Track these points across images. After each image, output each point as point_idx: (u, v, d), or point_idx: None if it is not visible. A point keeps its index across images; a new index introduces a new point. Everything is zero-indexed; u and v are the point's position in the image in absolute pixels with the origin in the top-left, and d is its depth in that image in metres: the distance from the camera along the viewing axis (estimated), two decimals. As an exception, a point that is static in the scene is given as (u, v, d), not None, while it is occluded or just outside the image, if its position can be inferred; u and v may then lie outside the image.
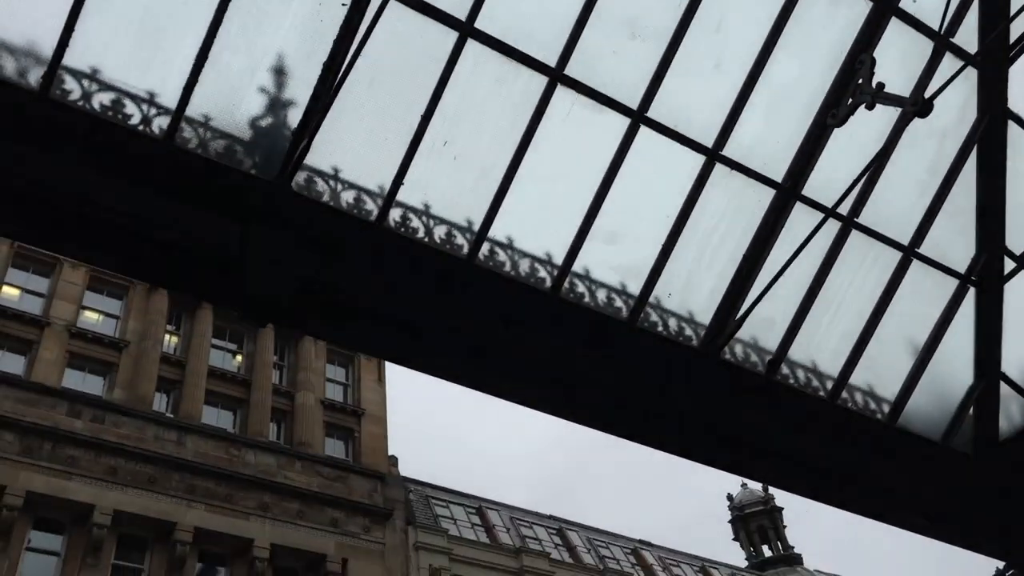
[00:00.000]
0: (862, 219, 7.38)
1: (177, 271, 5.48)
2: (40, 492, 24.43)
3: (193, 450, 27.93)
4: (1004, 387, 8.11)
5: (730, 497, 52.85)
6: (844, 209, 7.22)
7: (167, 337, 31.23)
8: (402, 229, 6.27)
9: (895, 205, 7.47)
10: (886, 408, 8.08)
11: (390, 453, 33.37)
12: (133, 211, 5.13)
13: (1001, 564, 8.39)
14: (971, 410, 8.28)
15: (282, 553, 27.59)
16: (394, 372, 54.35)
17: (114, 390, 28.72)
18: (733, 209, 7.06)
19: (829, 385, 7.85)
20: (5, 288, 29.10)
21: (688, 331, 7.37)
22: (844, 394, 7.86)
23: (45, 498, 24.52)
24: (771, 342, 7.56)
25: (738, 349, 7.56)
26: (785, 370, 7.73)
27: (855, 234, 7.43)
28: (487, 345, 6.25)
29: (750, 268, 7.13)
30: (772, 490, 52.18)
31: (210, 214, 5.43)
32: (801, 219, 7.15)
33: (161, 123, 5.66)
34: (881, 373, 7.97)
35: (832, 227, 7.31)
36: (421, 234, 6.36)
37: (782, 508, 51.36)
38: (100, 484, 25.51)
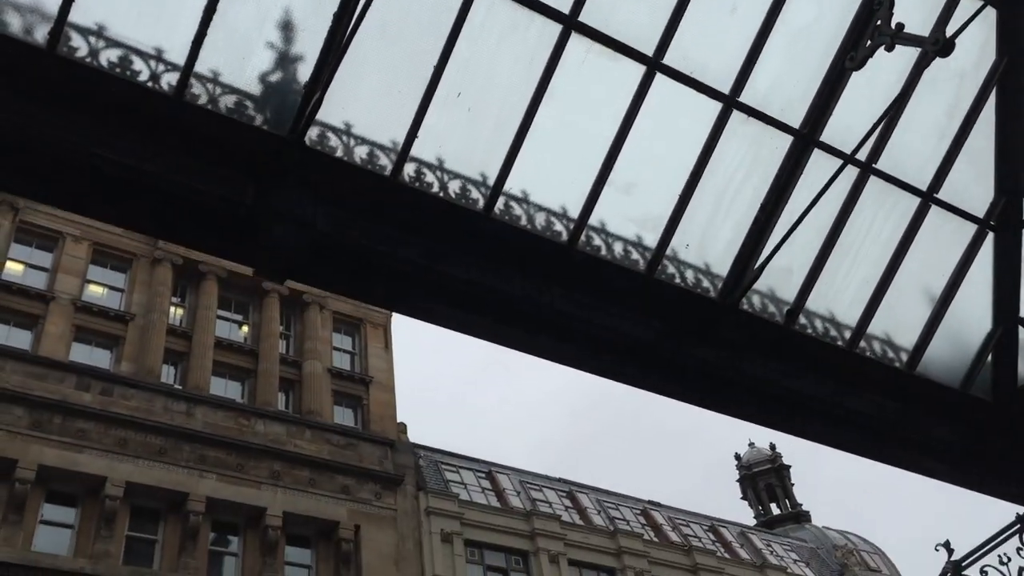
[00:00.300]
0: (880, 165, 7.29)
1: (191, 227, 5.41)
2: (52, 465, 24.58)
3: (202, 421, 28.07)
4: (1023, 332, 8.06)
5: (738, 457, 53.15)
6: (862, 155, 7.12)
7: (172, 309, 31.25)
8: (416, 184, 6.18)
9: (913, 150, 7.37)
10: (904, 356, 8.04)
11: (399, 420, 33.51)
12: (144, 167, 5.05)
13: (1022, 510, 8.37)
14: (989, 356, 8.23)
15: (294, 521, 27.80)
16: (401, 341, 54.48)
17: (121, 363, 28.80)
18: (750, 157, 6.97)
19: (847, 334, 7.80)
20: (9, 263, 29.07)
21: (705, 283, 7.31)
22: (862, 343, 7.81)
23: (57, 471, 24.68)
24: (789, 292, 7.50)
25: (756, 300, 7.50)
26: (803, 320, 7.68)
27: (873, 180, 7.34)
28: (506, 298, 6.19)
29: (768, 217, 7.05)
30: (779, 448, 52.51)
31: (223, 170, 5.35)
32: (819, 166, 7.06)
33: (170, 79, 5.56)
34: (900, 321, 7.91)
35: (850, 174, 7.22)
36: (436, 189, 6.28)
37: (789, 466, 51.71)
38: (111, 456, 25.66)
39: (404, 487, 30.88)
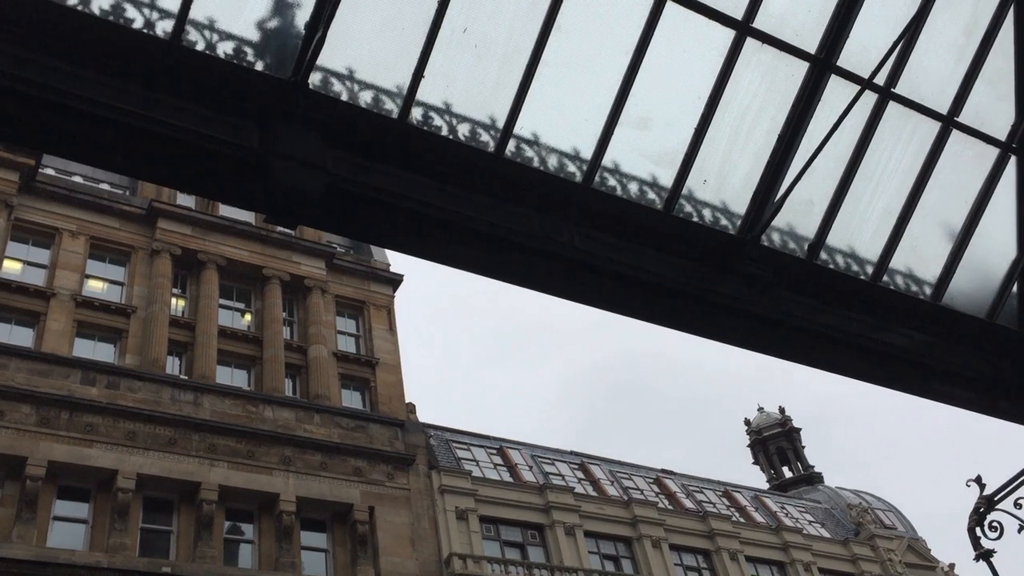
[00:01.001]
0: (899, 89, 7.07)
1: (198, 173, 5.22)
2: (62, 461, 24.51)
3: (210, 410, 27.97)
4: (1049, 259, 7.88)
5: (747, 422, 53.12)
6: (880, 80, 6.91)
7: (174, 300, 31.10)
8: (425, 127, 5.97)
9: (932, 72, 7.16)
10: (929, 288, 7.86)
11: (407, 400, 33.41)
12: (145, 113, 4.84)
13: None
14: (1015, 285, 8.05)
15: (308, 505, 27.75)
16: (408, 323, 54.22)
17: (126, 356, 28.69)
18: (766, 87, 6.75)
19: (870, 268, 7.62)
20: (7, 262, 28.88)
21: (724, 221, 7.11)
22: (886, 275, 7.63)
23: (67, 466, 24.60)
24: (810, 225, 7.31)
25: (777, 235, 7.31)
26: (825, 255, 7.49)
27: (892, 106, 7.13)
28: (525, 238, 6.00)
29: (786, 148, 6.85)
30: (788, 411, 52.45)
31: (225, 115, 5.15)
32: (836, 92, 6.85)
33: (165, 27, 5.34)
34: (923, 251, 7.73)
35: (868, 100, 7.01)
36: (445, 132, 6.07)
37: (800, 429, 51.70)
38: (121, 449, 25.58)
39: (416, 467, 30.82)
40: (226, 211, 34.85)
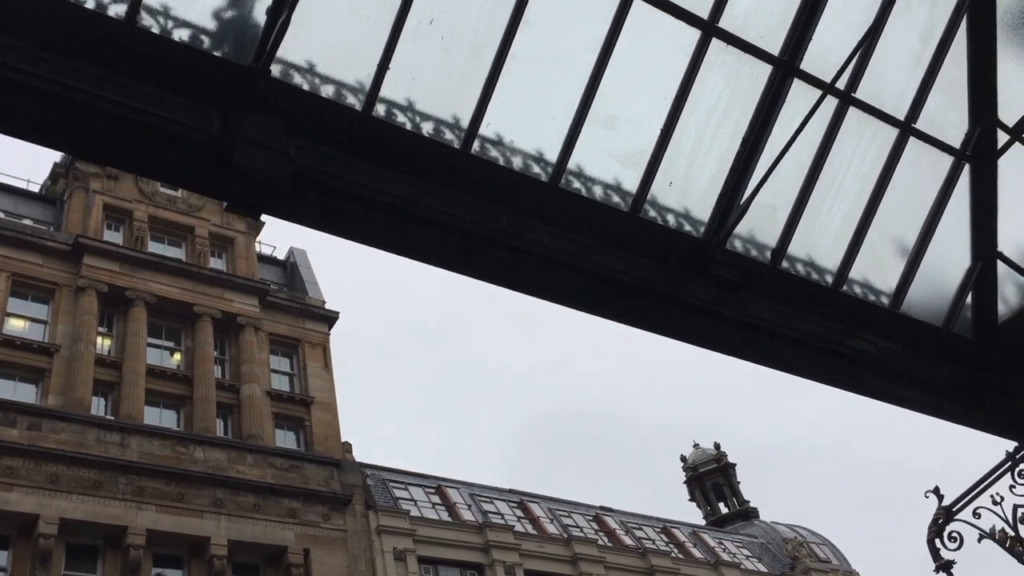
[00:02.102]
0: (859, 94, 7.12)
1: (155, 156, 4.91)
2: (-21, 506, 23.26)
3: (138, 451, 26.94)
4: (1002, 266, 7.98)
5: (683, 458, 53.33)
6: (842, 84, 6.95)
7: (100, 339, 30.03)
8: (389, 122, 5.78)
9: (891, 78, 7.23)
10: (887, 296, 7.89)
11: (343, 439, 32.69)
12: (97, 92, 4.55)
13: (1011, 447, 8.30)
14: (969, 294, 8.14)
15: (241, 549, 26.81)
16: (342, 360, 53.36)
17: (48, 396, 27.51)
18: (731, 88, 6.73)
19: (831, 275, 7.62)
20: (-80, 300, 27.60)
21: (688, 227, 7.04)
22: (847, 282, 7.64)
23: (-15, 512, 23.35)
24: (773, 232, 7.28)
25: (743, 235, 7.26)
26: (788, 260, 7.47)
27: (852, 111, 7.17)
28: (494, 235, 5.81)
29: (750, 152, 6.82)
30: (723, 447, 52.85)
31: (186, 99, 4.88)
32: (799, 96, 6.86)
33: (118, 10, 5.06)
34: (882, 258, 7.76)
35: (830, 105, 7.04)
36: (409, 128, 5.88)
37: (735, 464, 52.06)
38: (42, 493, 24.42)
39: (353, 507, 30.09)
40: (155, 247, 33.97)
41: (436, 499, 34.27)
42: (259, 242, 37.98)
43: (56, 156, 37.41)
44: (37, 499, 24.20)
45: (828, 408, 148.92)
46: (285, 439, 31.93)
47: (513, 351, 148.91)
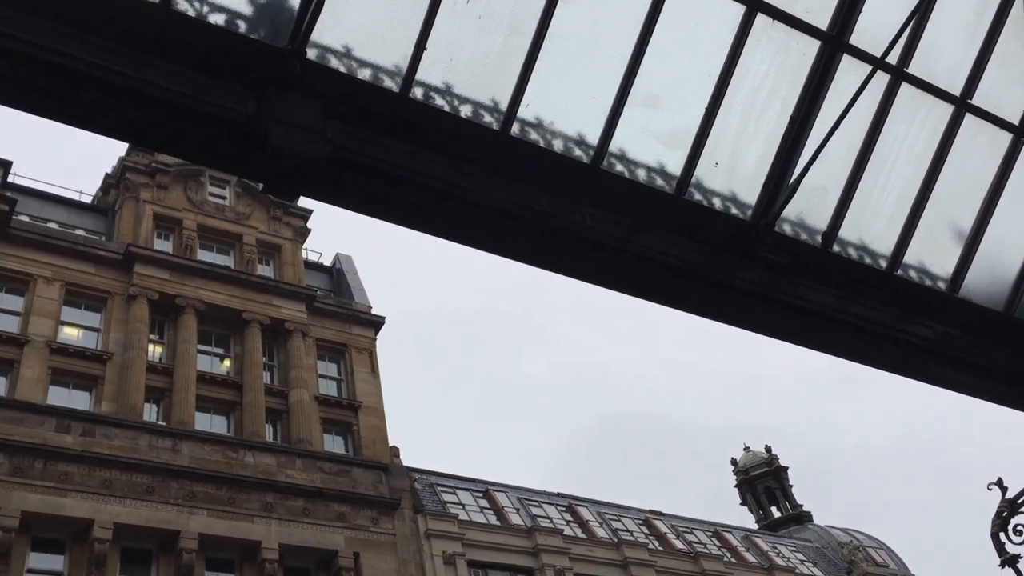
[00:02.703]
0: (912, 69, 6.89)
1: (192, 138, 4.89)
2: (36, 511, 23.64)
3: (189, 456, 27.21)
4: (1065, 248, 7.66)
5: (734, 461, 52.58)
6: (893, 59, 6.72)
7: (151, 346, 30.43)
8: (427, 104, 5.69)
9: (945, 53, 6.99)
10: (944, 280, 7.61)
11: (391, 444, 32.73)
12: (137, 75, 4.53)
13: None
14: (1031, 276, 7.82)
15: (291, 553, 26.92)
16: (389, 365, 53.44)
17: (102, 403, 27.92)
18: (777, 65, 6.54)
19: (885, 259, 7.37)
20: (-21, 310, 28.23)
21: (734, 210, 6.85)
22: (901, 266, 7.38)
23: (41, 517, 23.72)
24: (823, 214, 7.07)
25: (792, 218, 7.06)
26: (839, 244, 7.24)
27: (905, 87, 6.94)
28: (535, 216, 5.70)
29: (799, 131, 6.62)
30: (775, 450, 52.03)
31: (222, 81, 4.85)
32: (849, 73, 6.65)
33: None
34: (938, 240, 7.50)
35: (881, 80, 6.81)
36: (447, 111, 5.79)
37: (787, 467, 51.18)
38: (97, 498, 24.75)
39: (401, 511, 30.08)
40: (204, 255, 34.41)
41: (484, 503, 34.17)
42: (306, 249, 38.31)
43: (108, 167, 38.15)
44: (91, 504, 24.55)
45: (881, 410, 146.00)
46: (333, 444, 32.05)
47: (561, 356, 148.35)
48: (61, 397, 27.62)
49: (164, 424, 28.27)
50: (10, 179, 33.54)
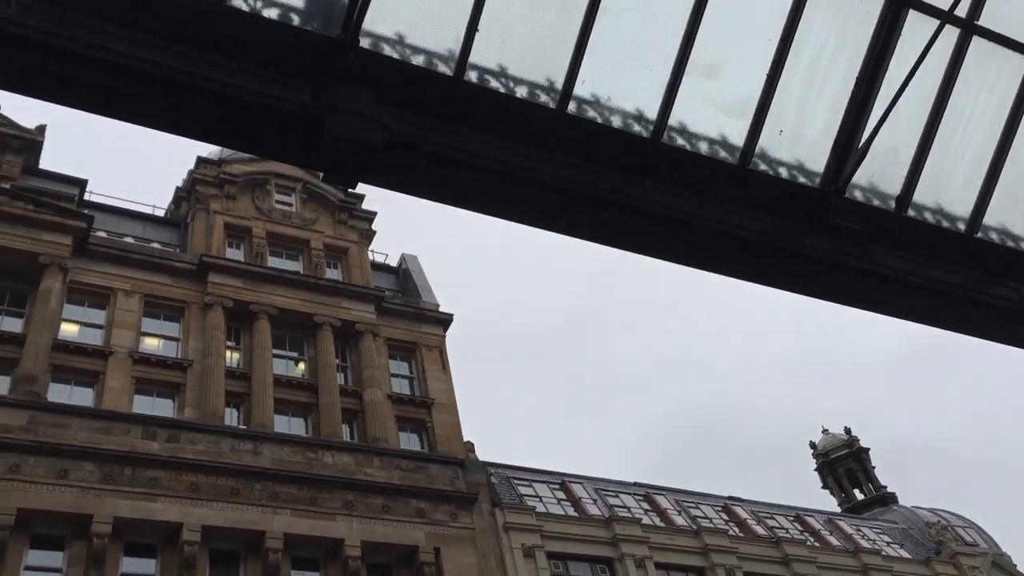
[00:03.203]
0: (982, 21, 6.63)
1: (251, 131, 4.97)
2: (127, 517, 24.39)
3: (271, 458, 27.76)
4: None
5: (813, 445, 51.63)
6: (962, 12, 6.47)
7: (228, 352, 31.12)
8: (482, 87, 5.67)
9: (1016, 2, 6.70)
10: (1028, 240, 7.32)
11: (465, 439, 32.92)
12: (195, 71, 4.61)
13: None
14: (1120, 233, 7.47)
15: (373, 549, 27.28)
16: (463, 361, 53.77)
17: (184, 409, 28.66)
18: (840, 25, 6.35)
19: (963, 220, 7.12)
20: (64, 325, 29.17)
21: (802, 179, 6.68)
22: (981, 228, 7.12)
23: (133, 522, 24.45)
24: (896, 177, 6.85)
25: (858, 194, 6.86)
26: (913, 212, 7.01)
27: (976, 41, 6.68)
28: (598, 193, 5.64)
29: (865, 92, 6.43)
30: (856, 432, 50.93)
31: (278, 74, 4.90)
32: (916, 29, 6.42)
33: (206, -6, 5.10)
34: (1019, 201, 7.21)
35: (950, 35, 6.57)
36: (503, 92, 5.76)
37: (868, 448, 50.07)
38: (184, 502, 25.41)
39: (479, 505, 30.25)
40: (274, 261, 35.06)
41: (561, 495, 34.15)
42: (371, 251, 38.75)
43: (179, 180, 39.09)
44: (180, 508, 25.22)
45: (967, 388, 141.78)
46: (409, 441, 32.37)
47: (636, 348, 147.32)
48: (145, 405, 28.44)
49: (245, 428, 28.90)
50: (86, 197, 34.62)
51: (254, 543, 25.87)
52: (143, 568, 24.73)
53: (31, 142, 33.66)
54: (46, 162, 34.36)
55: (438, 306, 36.99)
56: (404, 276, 39.83)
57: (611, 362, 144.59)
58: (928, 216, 7.16)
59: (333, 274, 36.04)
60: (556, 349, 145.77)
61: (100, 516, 24.00)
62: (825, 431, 51.95)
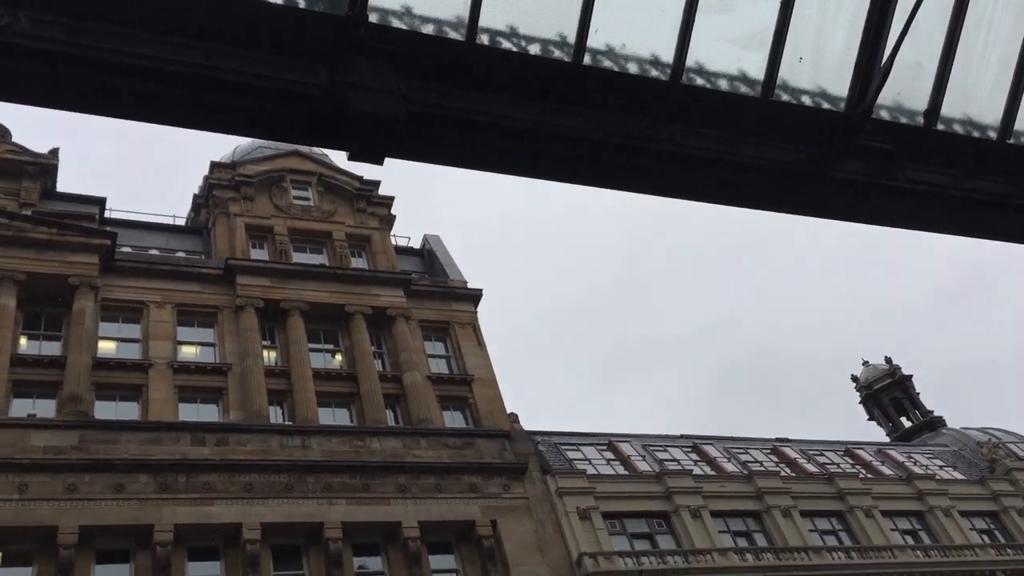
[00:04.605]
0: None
1: (271, 118, 4.95)
2: (187, 523, 24.80)
3: (320, 450, 28.07)
4: None
5: (854, 378, 51.38)
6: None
7: (265, 352, 31.39)
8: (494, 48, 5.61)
9: None
10: (1063, 141, 7.16)
11: (509, 411, 33.06)
12: (209, 64, 4.59)
13: None
14: None
15: (431, 528, 27.58)
16: (503, 335, 53.57)
17: (229, 412, 28.99)
18: (849, -59, 6.22)
19: (994, 129, 6.98)
20: (101, 343, 29.53)
21: (826, 104, 6.57)
22: (1013, 133, 6.97)
23: (193, 527, 24.87)
24: (922, 91, 6.72)
25: (884, 114, 6.74)
26: (942, 126, 6.88)
27: (991, -62, 6.52)
28: (624, 141, 5.58)
29: (882, 7, 6.28)
30: (902, 363, 50.58)
31: (291, 58, 4.87)
32: (927, -66, 6.26)
33: (208, -15, 5.06)
34: (1050, 100, 7.04)
35: (963, -64, 6.41)
36: (516, 52, 5.70)
37: (911, 375, 49.74)
38: (241, 502, 25.78)
39: (530, 474, 30.45)
40: (299, 257, 35.22)
41: (609, 455, 34.28)
42: (394, 236, 38.81)
43: (195, 187, 39.26)
44: (237, 508, 25.59)
45: (1012, 312, 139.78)
46: (453, 419, 32.58)
47: (675, 312, 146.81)
48: (191, 413, 28.81)
49: (291, 424, 29.21)
50: (106, 214, 34.88)
51: (314, 535, 26.22)
52: (208, 571, 25.16)
53: (46, 166, 33.93)
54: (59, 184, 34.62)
55: (466, 283, 37.05)
56: (429, 257, 39.88)
57: (652, 326, 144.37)
58: (958, 128, 7.03)
59: (358, 263, 36.17)
60: (598, 316, 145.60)
61: (160, 525, 24.42)
62: (866, 363, 51.69)
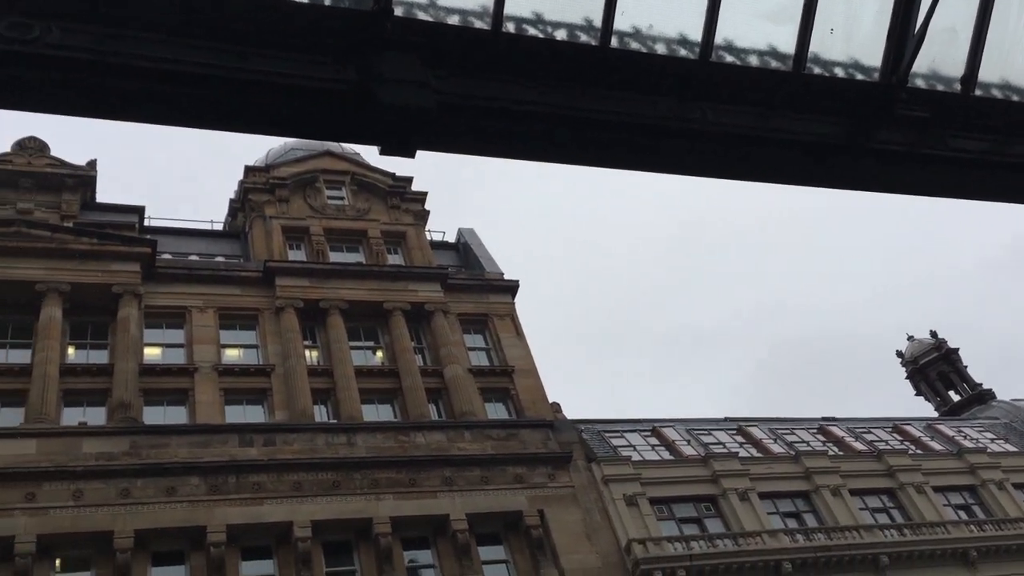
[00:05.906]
0: None
1: (302, 116, 5.00)
2: (239, 523, 25.16)
3: (365, 447, 28.30)
4: None
5: (899, 353, 50.66)
6: None
7: (307, 351, 31.69)
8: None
9: None
10: (1108, 100, 6.98)
11: (551, 400, 33.06)
12: (238, 66, 4.63)
13: None
14: None
15: (479, 520, 27.71)
16: (537, 325, 53.61)
17: (275, 412, 29.32)
18: (876, -92, 6.11)
19: (1035, 91, 6.82)
20: (147, 349, 30.02)
21: (859, 76, 6.47)
22: (1055, 96, 6.82)
23: (244, 527, 25.22)
24: (958, 58, 6.59)
25: (920, 82, 6.62)
26: (980, 92, 6.75)
27: None
28: (655, 123, 5.54)
29: (914, -27, 6.17)
30: (941, 333, 49.80)
31: (318, 55, 4.90)
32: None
33: (241, -9, 5.10)
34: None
35: None
36: (543, 38, 5.68)
37: (957, 349, 48.93)
38: (290, 501, 26.09)
39: (575, 462, 30.45)
40: (336, 256, 35.48)
41: (654, 440, 34.16)
42: (428, 231, 38.96)
43: (230, 192, 39.69)
44: (287, 507, 25.91)
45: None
46: (495, 411, 32.66)
47: (719, 302, 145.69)
48: (237, 414, 29.19)
49: (336, 422, 29.49)
50: (145, 222, 35.40)
51: (363, 530, 26.47)
52: (262, 570, 25.51)
53: (84, 178, 34.51)
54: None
55: (502, 275, 37.08)
56: (464, 251, 39.97)
57: (697, 315, 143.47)
58: (996, 92, 6.89)
59: (395, 259, 36.35)
60: (645, 307, 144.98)
61: (213, 526, 24.80)
62: (911, 338, 50.97)
